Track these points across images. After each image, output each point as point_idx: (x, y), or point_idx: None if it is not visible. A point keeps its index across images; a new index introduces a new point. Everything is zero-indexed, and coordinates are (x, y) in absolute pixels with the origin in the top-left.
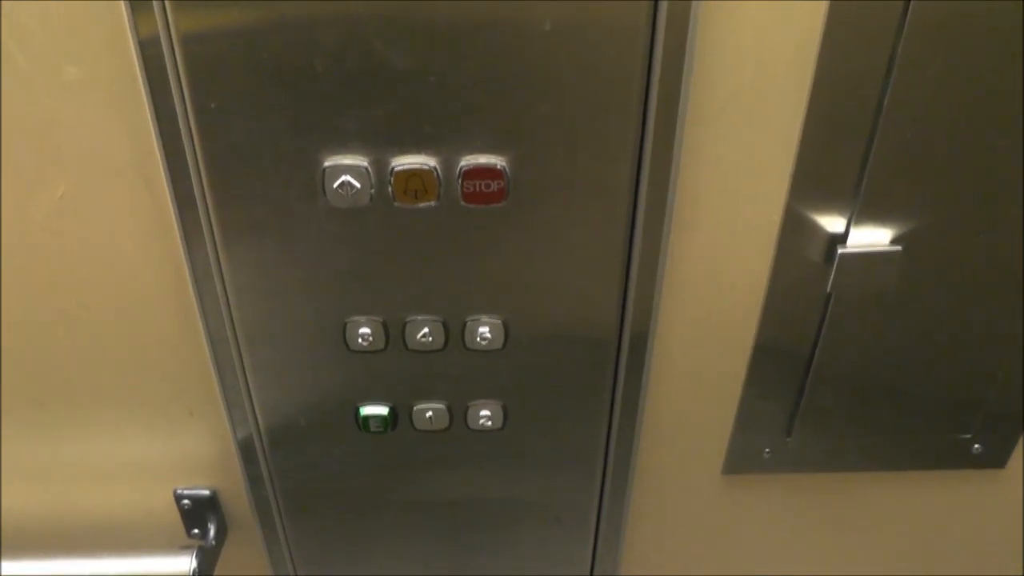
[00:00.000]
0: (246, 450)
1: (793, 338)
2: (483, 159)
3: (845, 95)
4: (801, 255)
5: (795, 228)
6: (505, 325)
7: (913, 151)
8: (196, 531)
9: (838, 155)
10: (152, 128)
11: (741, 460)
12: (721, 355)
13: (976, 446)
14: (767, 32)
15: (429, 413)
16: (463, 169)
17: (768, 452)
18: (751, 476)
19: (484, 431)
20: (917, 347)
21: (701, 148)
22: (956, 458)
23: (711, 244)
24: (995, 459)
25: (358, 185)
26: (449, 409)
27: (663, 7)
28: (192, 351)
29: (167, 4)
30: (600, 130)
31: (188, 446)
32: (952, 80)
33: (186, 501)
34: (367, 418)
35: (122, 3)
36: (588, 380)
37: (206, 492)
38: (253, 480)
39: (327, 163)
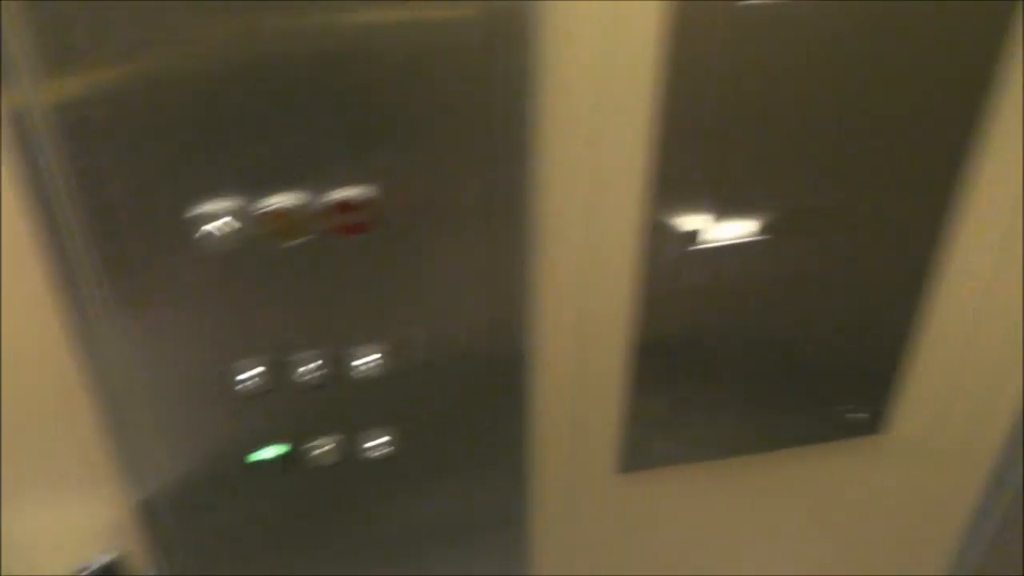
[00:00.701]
0: (145, 512)
1: (669, 333)
2: (348, 191)
3: (696, 96)
4: (667, 252)
5: (659, 227)
6: (391, 352)
7: (769, 145)
8: None
9: (695, 153)
10: (25, 189)
11: (635, 457)
12: (602, 356)
13: (857, 415)
14: (611, 41)
15: (324, 448)
16: (330, 203)
17: (661, 446)
18: (648, 472)
19: (380, 460)
20: (789, 328)
21: (561, 159)
22: (840, 429)
23: (580, 250)
24: (875, 426)
25: (230, 228)
26: (344, 442)
27: (503, 28)
28: (78, 414)
29: (31, 75)
30: (460, 151)
31: (83, 515)
32: (802, 75)
33: (85, 574)
34: (262, 462)
35: None
36: (477, 396)
37: (107, 560)
38: (155, 542)
39: (198, 210)
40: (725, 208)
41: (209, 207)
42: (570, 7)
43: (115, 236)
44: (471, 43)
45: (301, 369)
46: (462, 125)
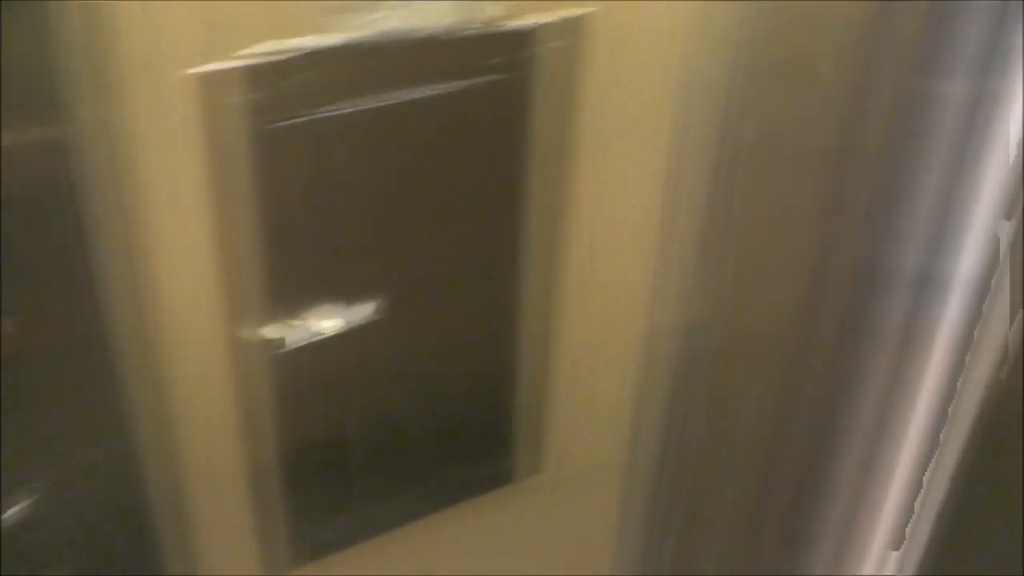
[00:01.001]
0: None
1: (307, 428)
2: None
3: (276, 207)
4: (277, 354)
5: (252, 338)
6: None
7: (351, 240)
8: None
9: (285, 259)
10: None
11: (301, 552)
12: (247, 466)
13: (495, 465)
14: (153, 162)
15: None
16: None
17: (322, 535)
18: (316, 563)
19: None
20: (415, 399)
21: (145, 285)
22: (484, 482)
23: (194, 368)
24: (513, 473)
25: None
26: None
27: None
28: None
29: None
30: (58, 280)
31: None
32: (371, 173)
33: None
34: None
35: None
36: (125, 540)
37: None
38: None
39: None
40: (327, 302)
41: None
42: (133, 135)
43: None
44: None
45: None
46: (31, 262)
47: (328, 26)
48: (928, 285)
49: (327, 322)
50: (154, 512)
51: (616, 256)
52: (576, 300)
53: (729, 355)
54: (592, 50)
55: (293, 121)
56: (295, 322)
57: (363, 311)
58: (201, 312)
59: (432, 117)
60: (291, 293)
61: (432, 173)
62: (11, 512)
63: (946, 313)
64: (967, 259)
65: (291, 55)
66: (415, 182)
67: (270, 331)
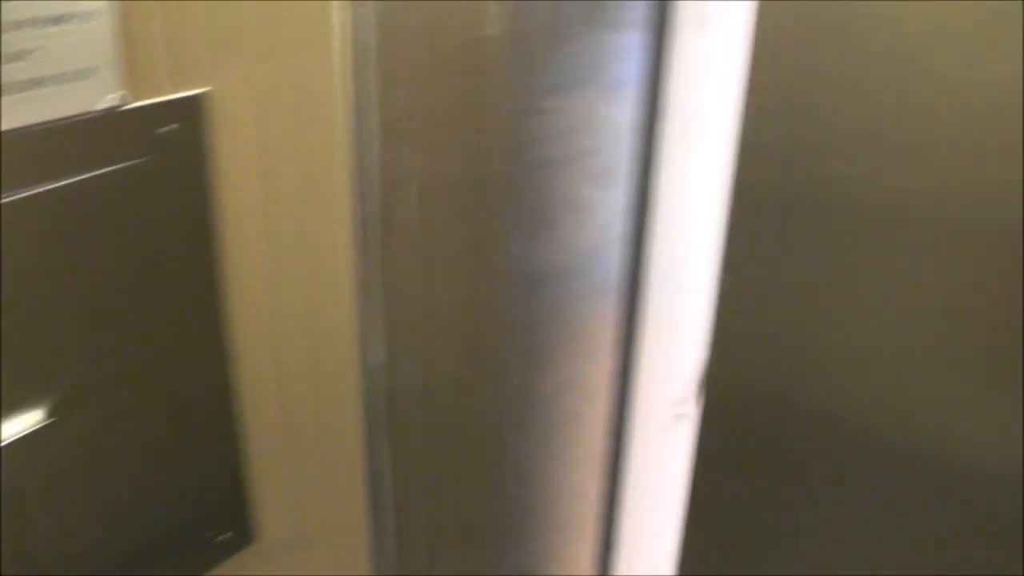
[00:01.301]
0: None
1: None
2: None
3: None
4: None
5: None
6: None
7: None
8: None
9: None
10: None
11: None
12: None
13: (224, 536)
14: None
15: None
16: None
17: None
18: None
19: None
20: (126, 488)
21: None
22: (217, 554)
23: None
24: (244, 539)
25: None
26: None
27: None
28: None
29: None
30: None
31: None
32: (42, 260)
33: None
34: None
35: None
36: None
37: None
38: None
39: None
40: (19, 403)
41: None
42: None
43: None
44: None
45: None
46: None
47: None
48: (617, 291)
49: (20, 422)
50: None
51: (311, 310)
52: (282, 356)
53: (447, 385)
54: (241, 117)
55: None
56: None
57: (60, 402)
58: None
59: (97, 201)
60: None
61: (111, 258)
62: None
63: (635, 317)
64: (649, 265)
65: None
66: (96, 269)
67: None
